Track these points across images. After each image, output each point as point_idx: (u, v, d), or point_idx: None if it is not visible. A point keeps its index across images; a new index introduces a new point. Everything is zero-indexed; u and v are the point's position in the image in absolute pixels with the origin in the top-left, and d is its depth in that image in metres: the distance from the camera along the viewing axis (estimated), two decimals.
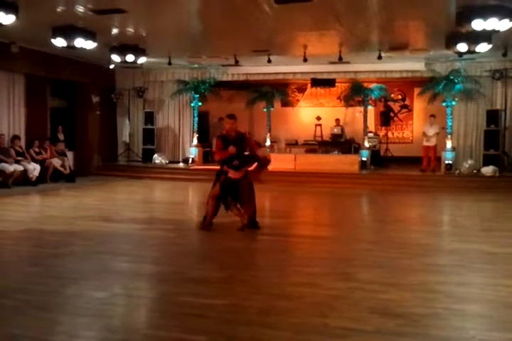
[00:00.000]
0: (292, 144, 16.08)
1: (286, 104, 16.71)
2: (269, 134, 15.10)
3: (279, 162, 13.76)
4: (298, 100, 17.69)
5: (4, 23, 7.71)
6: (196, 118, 14.95)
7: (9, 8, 7.61)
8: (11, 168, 10.80)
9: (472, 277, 4.66)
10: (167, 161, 14.77)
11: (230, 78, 15.00)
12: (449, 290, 4.23)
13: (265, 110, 15.22)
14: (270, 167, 7.18)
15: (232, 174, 6.52)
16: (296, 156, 13.94)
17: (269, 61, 12.13)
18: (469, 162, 12.65)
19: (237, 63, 12.96)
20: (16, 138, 11.53)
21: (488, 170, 12.16)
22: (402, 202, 10.12)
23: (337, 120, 15.79)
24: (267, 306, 3.77)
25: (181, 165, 14.62)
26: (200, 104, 14.86)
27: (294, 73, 14.58)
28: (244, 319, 3.53)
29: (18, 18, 7.86)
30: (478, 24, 7.65)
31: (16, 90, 11.95)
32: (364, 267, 4.94)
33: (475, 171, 12.49)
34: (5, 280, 4.46)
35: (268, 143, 15.04)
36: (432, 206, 9.76)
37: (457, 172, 12.60)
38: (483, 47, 9.44)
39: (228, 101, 15.42)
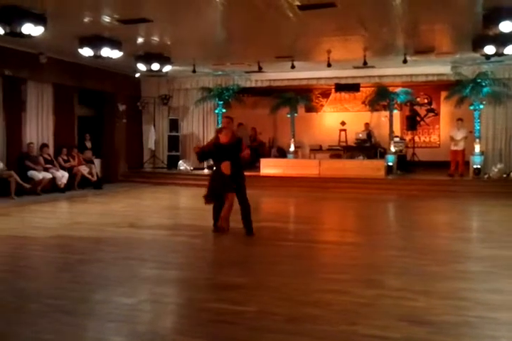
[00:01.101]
0: (316, 150, 15.98)
1: (310, 109, 16.65)
2: (293, 140, 15.09)
3: (304, 167, 13.80)
4: (322, 105, 17.63)
5: (33, 34, 7.91)
6: (220, 125, 15.02)
7: (38, 20, 7.81)
8: (40, 175, 11.03)
9: (502, 284, 4.55)
10: (192, 168, 14.85)
11: (253, 84, 15.06)
12: (479, 297, 4.14)
13: (289, 116, 15.22)
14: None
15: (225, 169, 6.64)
16: (320, 162, 13.88)
17: (293, 67, 12.10)
18: (498, 166, 12.38)
19: (260, 70, 12.99)
20: (44, 146, 11.79)
21: None
22: (429, 208, 9.95)
23: (366, 124, 15.59)
24: (294, 313, 3.75)
25: (206, 171, 14.66)
26: (224, 110, 14.94)
27: (318, 78, 14.53)
28: (271, 326, 3.51)
29: (46, 29, 8.05)
30: (506, 26, 7.52)
31: (44, 99, 12.18)
32: (392, 274, 4.87)
33: (504, 175, 12.23)
34: (34, 285, 4.54)
35: (292, 148, 15.04)
36: (461, 211, 9.58)
37: (486, 176, 12.35)
38: (511, 50, 9.27)
39: (252, 107, 15.45)
